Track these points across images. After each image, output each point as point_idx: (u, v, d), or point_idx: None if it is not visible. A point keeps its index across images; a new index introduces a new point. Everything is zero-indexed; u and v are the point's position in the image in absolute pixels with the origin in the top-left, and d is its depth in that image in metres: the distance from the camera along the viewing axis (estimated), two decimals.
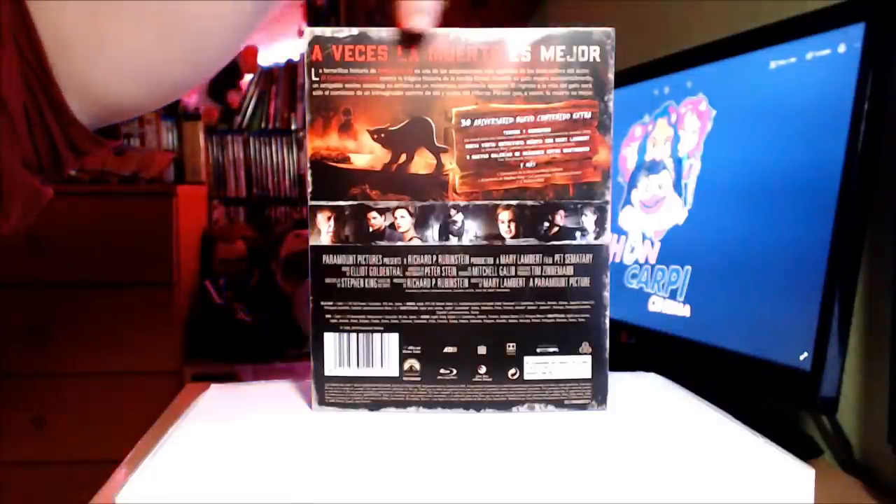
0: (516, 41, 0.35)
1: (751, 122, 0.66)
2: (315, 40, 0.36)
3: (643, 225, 0.80)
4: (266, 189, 2.20)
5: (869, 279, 0.62)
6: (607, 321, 0.37)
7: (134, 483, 0.30)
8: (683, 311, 0.71)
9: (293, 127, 2.20)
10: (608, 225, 0.36)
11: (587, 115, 0.36)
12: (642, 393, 0.41)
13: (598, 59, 0.35)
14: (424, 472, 0.30)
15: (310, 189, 0.36)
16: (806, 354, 0.56)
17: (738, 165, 0.67)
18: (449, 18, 0.41)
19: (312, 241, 0.37)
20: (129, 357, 1.72)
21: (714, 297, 0.68)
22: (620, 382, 0.41)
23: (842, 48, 0.57)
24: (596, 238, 0.36)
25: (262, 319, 1.86)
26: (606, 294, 0.36)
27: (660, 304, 0.75)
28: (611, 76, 0.36)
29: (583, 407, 0.37)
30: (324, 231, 0.37)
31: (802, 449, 0.64)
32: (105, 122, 0.47)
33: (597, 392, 0.37)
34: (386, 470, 0.31)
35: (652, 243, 0.78)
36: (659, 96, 0.80)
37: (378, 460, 0.31)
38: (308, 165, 0.36)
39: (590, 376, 0.37)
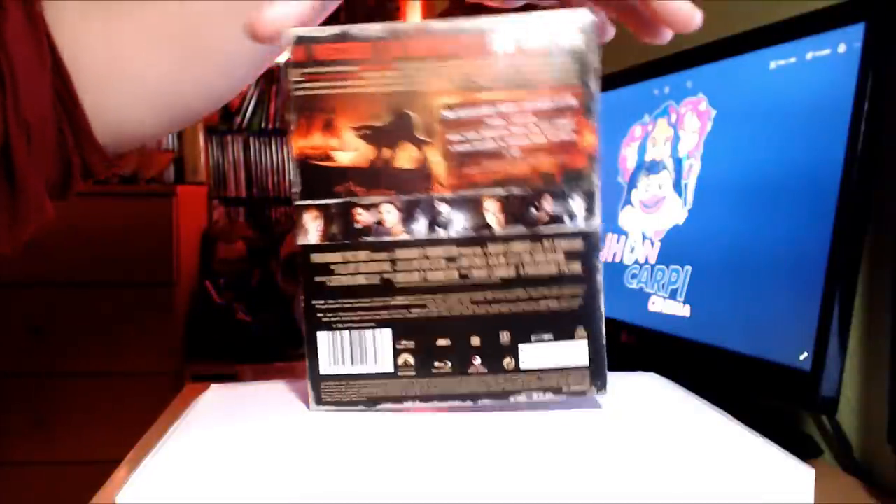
0: (497, 29, 0.35)
1: (751, 122, 0.66)
2: (298, 40, 0.35)
3: (643, 225, 0.80)
4: (266, 189, 2.20)
5: (869, 279, 0.62)
6: (602, 305, 0.36)
7: (134, 483, 0.30)
8: (683, 311, 0.71)
9: None
10: (597, 209, 0.36)
11: (571, 100, 0.35)
12: (642, 393, 0.41)
13: (580, 44, 0.35)
14: (424, 471, 0.30)
15: (295, 189, 0.36)
16: (806, 354, 0.56)
17: (738, 165, 0.67)
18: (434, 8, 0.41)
19: (300, 241, 0.36)
20: (129, 357, 1.72)
21: (714, 297, 0.68)
22: (620, 382, 0.41)
23: (842, 48, 0.57)
24: (585, 223, 0.36)
25: (262, 319, 1.86)
26: (599, 278, 0.36)
27: (660, 304, 0.75)
28: (594, 58, 0.35)
29: (582, 393, 0.36)
30: (311, 230, 0.36)
31: (802, 449, 0.64)
32: (114, 149, 0.46)
33: (595, 377, 0.36)
34: (386, 469, 0.31)
35: (652, 243, 0.78)
36: (659, 96, 0.80)
37: (379, 459, 0.31)
38: (293, 166, 0.36)
39: (587, 362, 0.36)
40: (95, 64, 0.42)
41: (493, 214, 0.36)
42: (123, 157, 0.48)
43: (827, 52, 0.59)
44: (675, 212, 0.75)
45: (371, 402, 0.37)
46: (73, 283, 1.70)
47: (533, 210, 0.36)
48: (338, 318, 0.36)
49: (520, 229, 0.36)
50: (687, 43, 0.77)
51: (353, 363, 0.37)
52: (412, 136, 0.36)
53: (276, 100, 2.20)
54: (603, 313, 0.36)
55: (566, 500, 0.29)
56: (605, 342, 0.36)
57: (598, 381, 0.36)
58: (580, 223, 0.36)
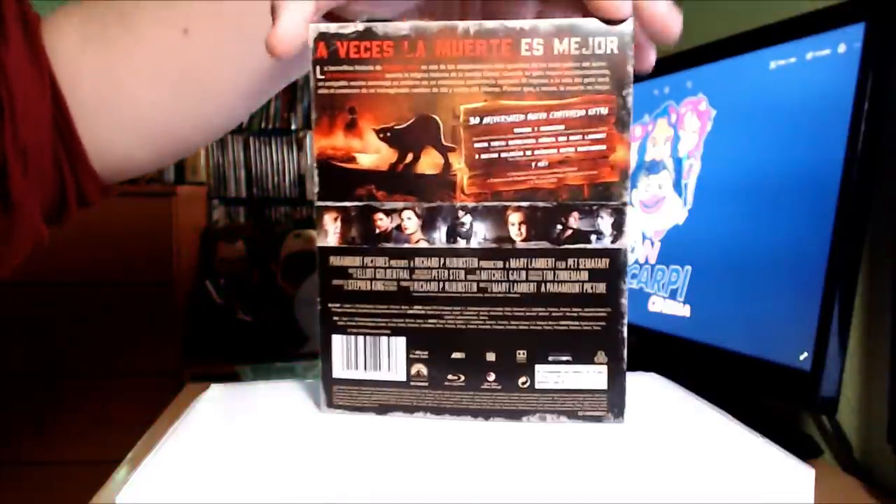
0: (527, 33, 0.33)
1: (751, 122, 0.66)
2: (320, 37, 0.34)
3: (643, 225, 0.80)
4: (266, 189, 2.20)
5: (869, 279, 0.62)
6: (625, 329, 0.35)
7: (134, 483, 0.30)
8: (683, 311, 0.71)
9: (293, 127, 2.20)
10: (627, 228, 0.34)
11: (603, 110, 0.34)
12: (642, 393, 0.41)
13: (615, 51, 0.33)
14: (425, 471, 0.30)
15: (316, 189, 0.35)
16: (806, 354, 0.56)
17: (738, 165, 0.67)
18: (452, 10, 0.40)
19: (320, 243, 0.36)
20: (129, 357, 1.72)
21: (714, 297, 0.68)
22: None
23: (842, 48, 0.57)
24: (613, 242, 0.34)
25: (262, 319, 1.86)
26: (624, 301, 0.34)
27: (660, 304, 0.75)
28: (629, 69, 0.33)
29: (598, 419, 0.35)
30: (331, 232, 0.36)
31: (802, 449, 0.64)
32: (108, 178, 0.46)
33: (613, 404, 0.35)
34: (387, 470, 0.31)
35: (652, 243, 0.78)
36: (659, 96, 0.80)
37: (380, 460, 0.31)
38: (314, 165, 0.35)
39: (605, 387, 0.35)
40: (92, 94, 0.42)
41: (516, 227, 0.34)
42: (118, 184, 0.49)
43: (827, 52, 0.59)
44: (675, 212, 0.75)
45: (382, 410, 0.36)
46: (73, 283, 1.70)
47: (558, 225, 0.34)
48: (353, 323, 0.36)
49: (543, 244, 0.34)
50: (687, 43, 0.77)
51: (366, 369, 0.36)
52: (436, 140, 0.34)
53: (275, 100, 2.20)
54: (625, 338, 0.35)
55: (566, 499, 0.29)
56: (625, 367, 0.35)
57: (616, 408, 0.35)
58: (607, 242, 0.34)
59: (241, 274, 1.98)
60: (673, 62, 0.78)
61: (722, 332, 0.65)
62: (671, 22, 0.32)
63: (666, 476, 0.30)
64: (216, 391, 0.42)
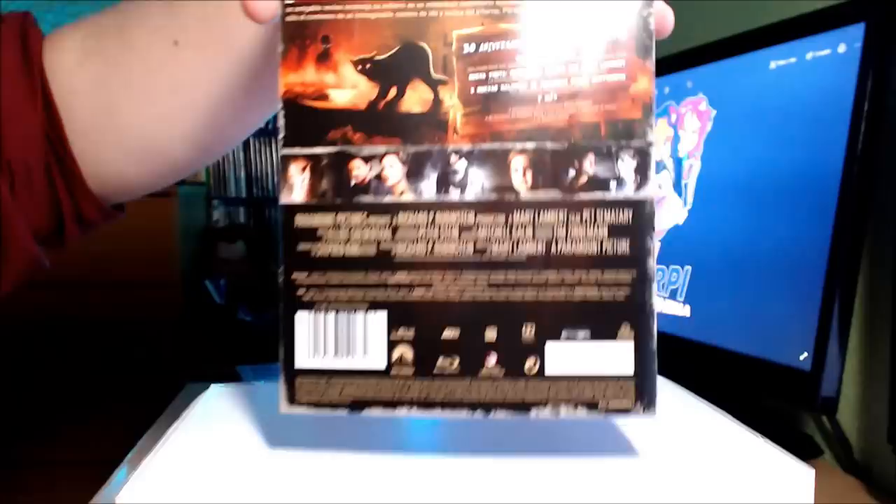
0: None
1: (751, 122, 0.66)
2: None
3: None
4: (266, 189, 2.20)
5: (869, 279, 0.62)
6: (654, 297, 0.29)
7: (134, 483, 0.30)
8: (683, 311, 0.71)
9: None
10: (652, 173, 0.28)
11: (623, 35, 0.29)
12: None
13: None
14: (427, 471, 0.30)
15: (282, 134, 0.30)
16: (806, 354, 0.56)
17: (738, 165, 0.67)
18: None
19: (283, 199, 0.30)
20: (129, 357, 1.72)
21: (714, 297, 0.68)
22: None
23: (842, 48, 0.57)
24: (637, 190, 0.28)
25: (262, 319, 1.86)
26: (652, 262, 0.28)
27: (660, 304, 0.75)
28: None
29: (624, 412, 0.29)
30: (297, 185, 0.30)
31: (802, 449, 0.64)
32: (105, 201, 0.46)
33: (642, 392, 0.28)
34: (389, 470, 0.31)
35: None
36: (659, 96, 0.80)
37: (381, 459, 0.31)
38: (280, 105, 0.30)
39: (632, 371, 0.29)
40: (84, 110, 0.42)
41: (520, 174, 0.29)
42: (120, 208, 0.48)
43: (827, 52, 0.59)
44: (675, 212, 0.75)
45: (356, 407, 0.30)
46: (73, 283, 1.70)
47: (570, 170, 0.29)
48: (322, 296, 0.30)
49: (553, 195, 0.29)
50: (687, 43, 0.77)
51: (336, 354, 0.30)
52: (424, 72, 0.29)
53: None
54: (655, 308, 0.29)
55: (564, 499, 0.29)
56: (655, 346, 0.29)
57: (646, 398, 0.29)
58: (629, 190, 0.29)
59: (241, 274, 1.98)
60: (673, 62, 0.78)
61: (722, 332, 0.65)
62: (667, 14, 0.31)
63: (666, 476, 0.30)
64: (216, 391, 0.42)
